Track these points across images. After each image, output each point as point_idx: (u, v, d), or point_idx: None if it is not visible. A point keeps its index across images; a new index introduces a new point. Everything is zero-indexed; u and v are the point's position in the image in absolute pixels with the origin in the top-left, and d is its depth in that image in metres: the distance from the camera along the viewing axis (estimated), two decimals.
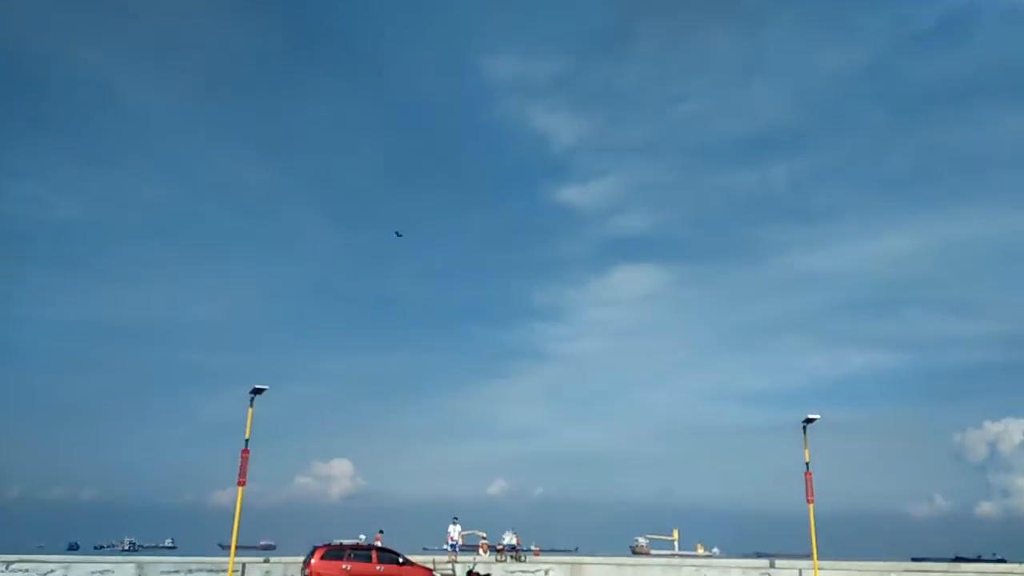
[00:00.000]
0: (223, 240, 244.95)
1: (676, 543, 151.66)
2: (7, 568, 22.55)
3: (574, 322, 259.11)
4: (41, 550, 65.55)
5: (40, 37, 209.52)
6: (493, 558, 31.42)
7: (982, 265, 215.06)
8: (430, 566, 26.75)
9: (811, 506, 28.95)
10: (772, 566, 30.30)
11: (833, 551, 34.92)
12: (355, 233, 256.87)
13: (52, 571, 22.94)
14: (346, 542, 24.61)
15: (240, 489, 25.46)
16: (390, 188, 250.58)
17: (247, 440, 25.72)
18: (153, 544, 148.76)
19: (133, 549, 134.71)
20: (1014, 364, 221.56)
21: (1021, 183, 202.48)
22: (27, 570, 22.73)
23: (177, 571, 24.54)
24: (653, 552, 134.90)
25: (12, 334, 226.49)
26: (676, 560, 39.84)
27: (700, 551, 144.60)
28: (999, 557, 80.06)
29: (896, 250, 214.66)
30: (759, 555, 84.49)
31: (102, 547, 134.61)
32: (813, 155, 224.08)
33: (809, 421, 29.45)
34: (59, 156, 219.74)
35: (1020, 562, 31.32)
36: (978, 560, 78.49)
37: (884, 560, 33.32)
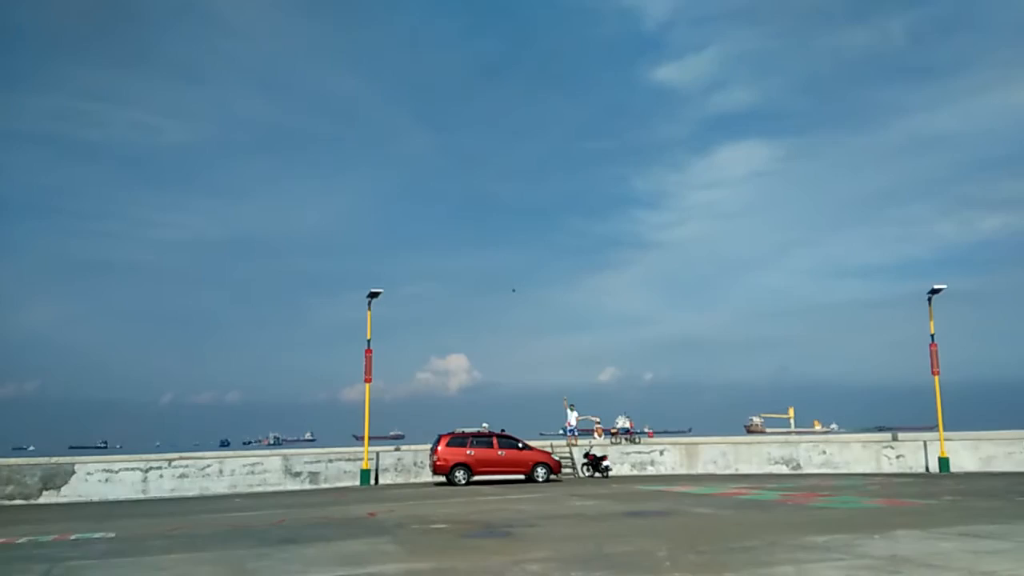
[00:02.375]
0: (321, 150, 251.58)
1: (792, 420, 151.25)
2: (169, 465, 24.73)
3: (677, 207, 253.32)
4: (196, 448, 72.44)
5: None
6: (608, 441, 32.34)
7: None
8: (548, 450, 27.86)
9: (936, 378, 28.01)
10: (895, 439, 29.74)
11: (961, 422, 33.87)
12: (446, 133, 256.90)
13: (209, 466, 25.21)
14: (468, 430, 25.94)
15: (367, 386, 27.07)
16: (477, 85, 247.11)
17: (369, 341, 27.13)
18: (295, 438, 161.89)
19: (277, 443, 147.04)
20: None
21: None
22: (187, 466, 24.90)
23: (319, 460, 26.58)
24: (768, 430, 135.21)
25: (137, 254, 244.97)
26: (793, 437, 39.77)
27: (817, 427, 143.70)
28: None
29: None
30: (881, 429, 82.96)
31: (250, 443, 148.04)
32: (934, 3, 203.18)
33: (935, 292, 28.08)
34: (160, 81, 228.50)
35: None
36: None
37: (1015, 429, 31.99)
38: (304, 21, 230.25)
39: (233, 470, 25.38)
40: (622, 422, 37.79)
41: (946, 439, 27.69)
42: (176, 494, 24.10)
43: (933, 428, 28.51)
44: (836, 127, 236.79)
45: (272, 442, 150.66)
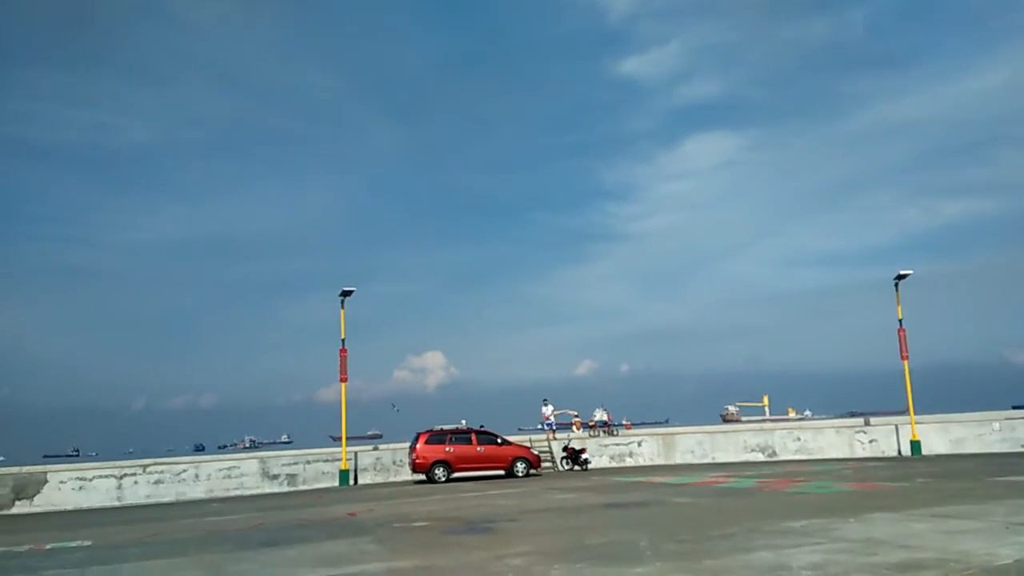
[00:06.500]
0: (289, 148, 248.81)
1: (767, 408, 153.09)
2: (144, 471, 24.42)
3: (647, 199, 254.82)
4: (171, 453, 71.28)
5: None
6: (587, 434, 32.48)
7: None
8: (527, 444, 27.91)
9: (906, 362, 28.49)
10: (867, 424, 30.23)
11: (931, 405, 34.51)
12: (415, 129, 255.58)
13: (184, 471, 24.92)
14: (447, 427, 25.89)
15: (343, 385, 26.93)
16: (446, 80, 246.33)
17: (343, 340, 26.97)
18: (271, 440, 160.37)
19: (254, 446, 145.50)
20: None
21: None
22: (162, 471, 24.61)
23: (296, 462, 26.38)
24: (744, 419, 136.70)
25: (100, 258, 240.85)
26: (768, 424, 40.25)
27: (791, 415, 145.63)
28: None
29: (984, 88, 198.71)
30: (853, 414, 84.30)
31: (225, 446, 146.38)
32: None
33: (901, 277, 28.56)
34: (116, 81, 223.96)
35: None
36: None
37: (983, 411, 32.72)
38: (263, 17, 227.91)
39: (209, 474, 25.11)
40: (600, 415, 37.94)
41: (917, 423, 28.19)
42: (152, 500, 23.78)
43: (904, 412, 29.02)
44: (799, 117, 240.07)
45: (248, 445, 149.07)
